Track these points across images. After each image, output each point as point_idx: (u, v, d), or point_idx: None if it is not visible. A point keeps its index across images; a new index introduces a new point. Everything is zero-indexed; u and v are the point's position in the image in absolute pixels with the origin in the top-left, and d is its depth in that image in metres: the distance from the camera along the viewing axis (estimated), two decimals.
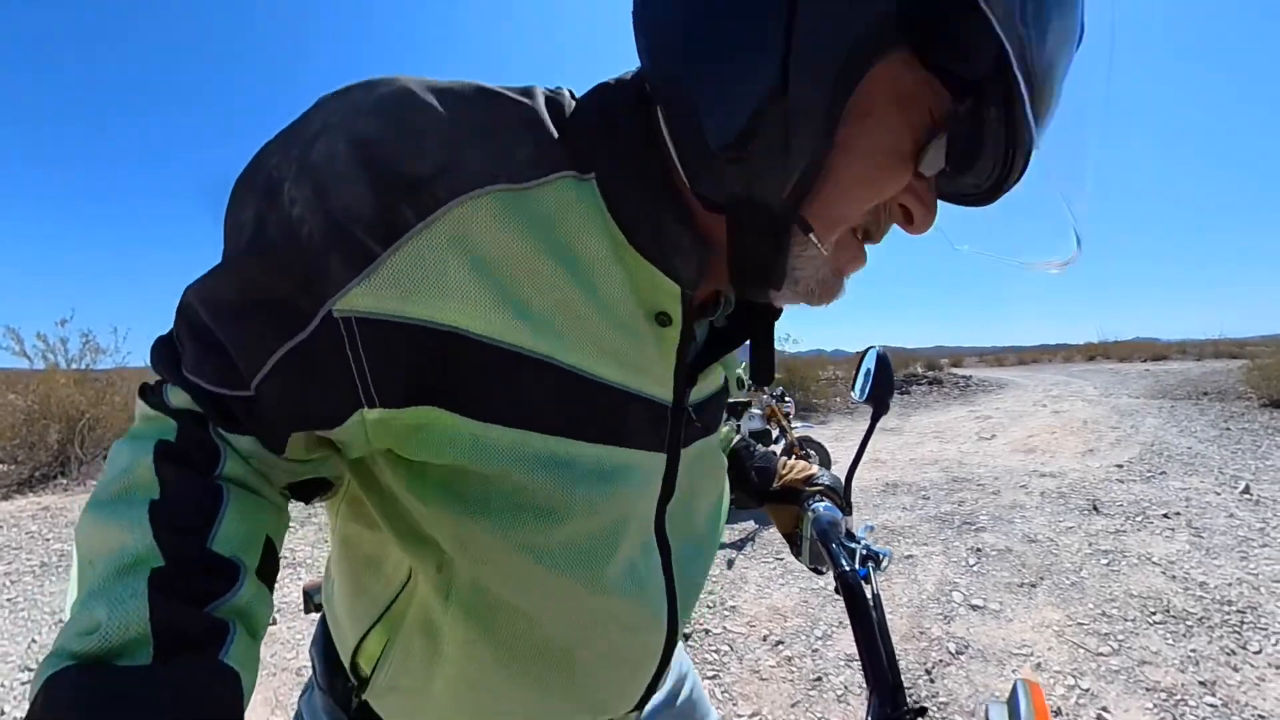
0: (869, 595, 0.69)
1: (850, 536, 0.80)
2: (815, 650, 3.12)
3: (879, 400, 0.89)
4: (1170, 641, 2.96)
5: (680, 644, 0.79)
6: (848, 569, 0.72)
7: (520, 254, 0.41)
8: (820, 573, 0.88)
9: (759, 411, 5.88)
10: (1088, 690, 2.63)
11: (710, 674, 2.92)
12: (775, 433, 5.90)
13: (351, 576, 0.60)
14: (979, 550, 4.25)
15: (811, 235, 0.43)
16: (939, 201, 0.46)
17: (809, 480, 0.90)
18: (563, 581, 0.49)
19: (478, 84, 0.42)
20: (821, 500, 0.86)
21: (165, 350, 0.44)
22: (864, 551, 0.76)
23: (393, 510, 0.51)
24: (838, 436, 9.56)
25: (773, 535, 4.80)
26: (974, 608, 3.47)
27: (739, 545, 4.59)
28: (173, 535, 0.37)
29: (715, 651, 3.09)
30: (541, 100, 0.43)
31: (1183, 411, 8.72)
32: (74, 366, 7.23)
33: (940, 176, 0.44)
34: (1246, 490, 4.92)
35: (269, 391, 0.40)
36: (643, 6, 0.42)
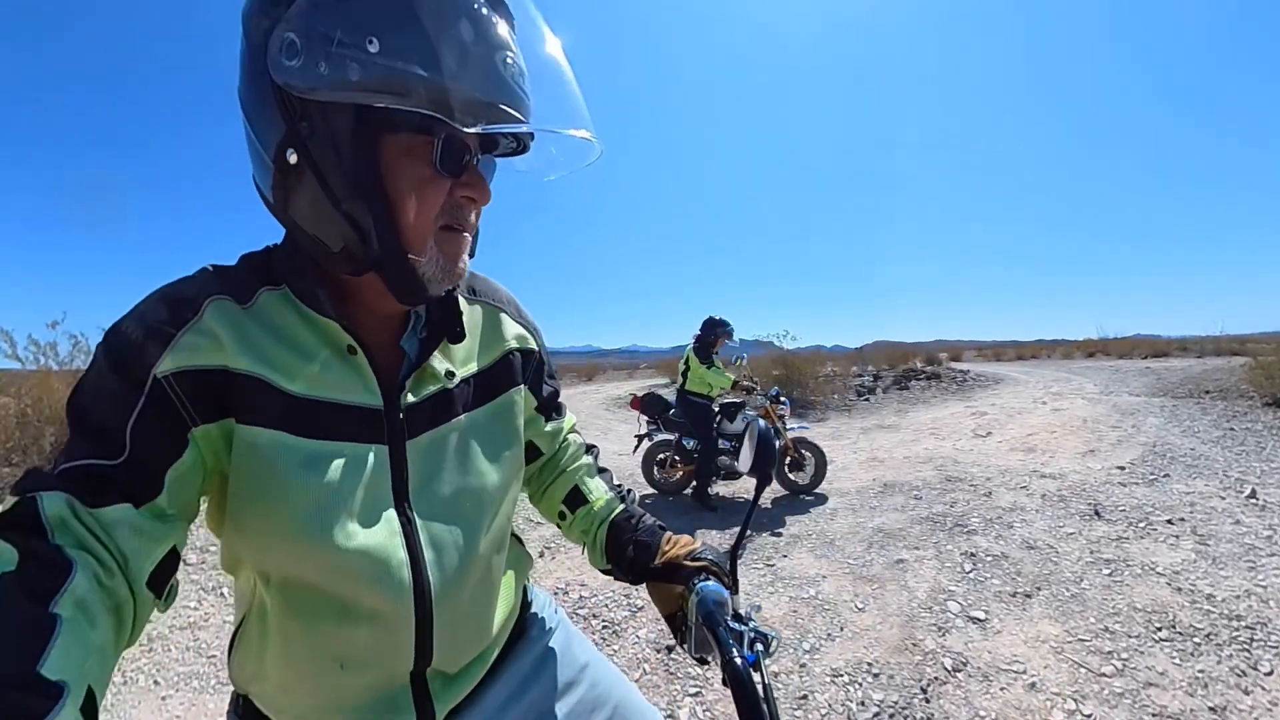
0: (759, 685, 0.66)
1: (738, 618, 0.76)
2: (803, 665, 2.97)
3: (762, 473, 0.88)
4: (1177, 661, 2.79)
5: (564, 633, 0.96)
6: (735, 656, 0.68)
7: (254, 332, 0.63)
8: (706, 662, 0.81)
9: (754, 412, 5.70)
10: (1090, 716, 2.46)
11: (693, 690, 2.76)
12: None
13: (233, 591, 0.82)
14: (974, 555, 4.08)
15: (410, 256, 0.62)
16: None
17: (693, 556, 0.87)
18: (314, 550, 0.63)
19: (217, 265, 0.68)
20: (707, 578, 0.83)
21: (28, 476, 0.55)
22: (752, 635, 0.73)
23: (229, 524, 0.65)
24: (835, 434, 9.40)
25: (765, 541, 4.65)
26: (973, 620, 3.29)
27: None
28: None
29: (697, 668, 2.92)
30: (254, 263, 0.69)
31: (1185, 411, 8.55)
32: (65, 368, 7.12)
33: (488, 156, 0.68)
34: (1253, 495, 4.75)
35: (139, 437, 0.56)
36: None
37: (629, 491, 1.02)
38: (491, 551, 0.78)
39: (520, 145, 0.68)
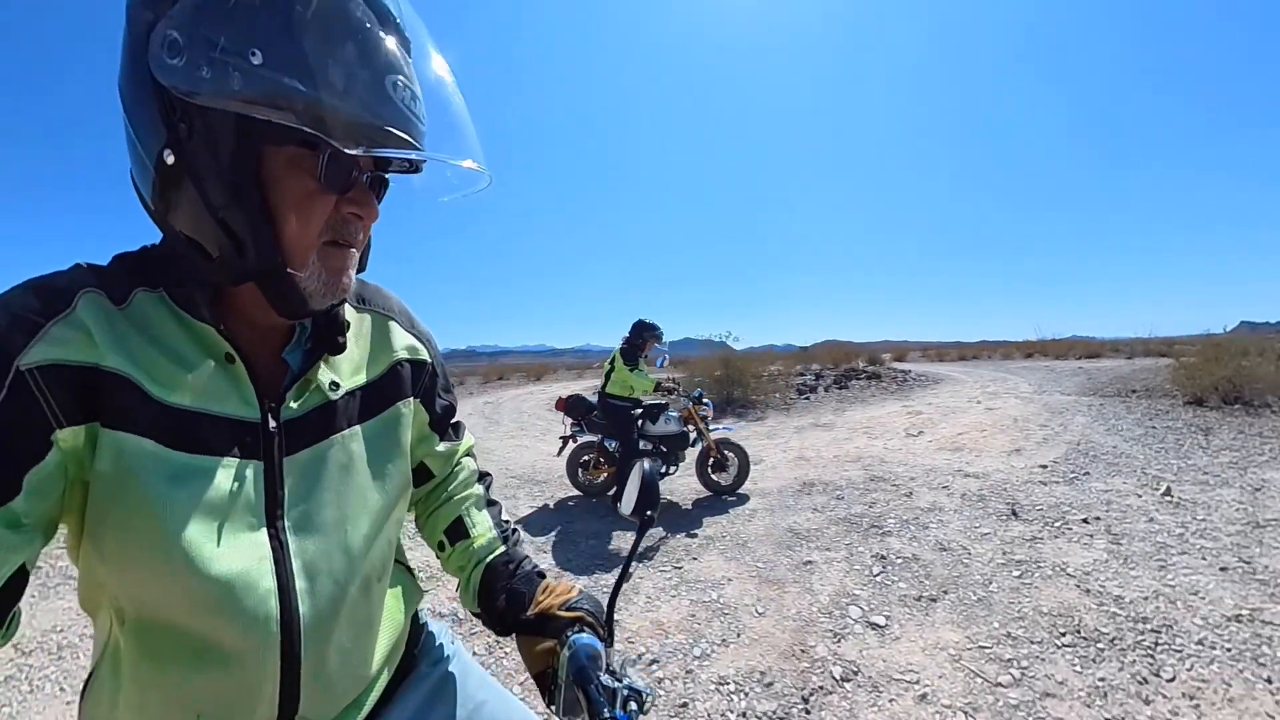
0: None
1: (612, 673, 0.72)
2: (689, 671, 2.75)
3: (644, 517, 0.84)
4: (1078, 668, 2.60)
5: (457, 656, 0.92)
6: (606, 715, 0.66)
7: (127, 333, 0.58)
8: None
9: (676, 414, 5.57)
10: None
11: None
12: (693, 435, 5.51)
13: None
14: (884, 558, 3.87)
15: (289, 270, 0.60)
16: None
17: (568, 605, 0.82)
18: (172, 576, 0.57)
19: (91, 263, 0.63)
20: (581, 630, 0.78)
21: None
22: (625, 692, 0.69)
23: (87, 542, 0.59)
24: (771, 433, 9.23)
25: (678, 544, 4.40)
26: (872, 625, 3.06)
27: (641, 555, 4.16)
28: None
29: None
30: (129, 263, 0.64)
31: (1111, 410, 8.63)
32: None
33: (380, 173, 0.66)
34: (1168, 492, 4.68)
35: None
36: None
37: (514, 531, 0.96)
38: (373, 579, 0.73)
39: (413, 166, 0.65)
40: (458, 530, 0.91)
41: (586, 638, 0.76)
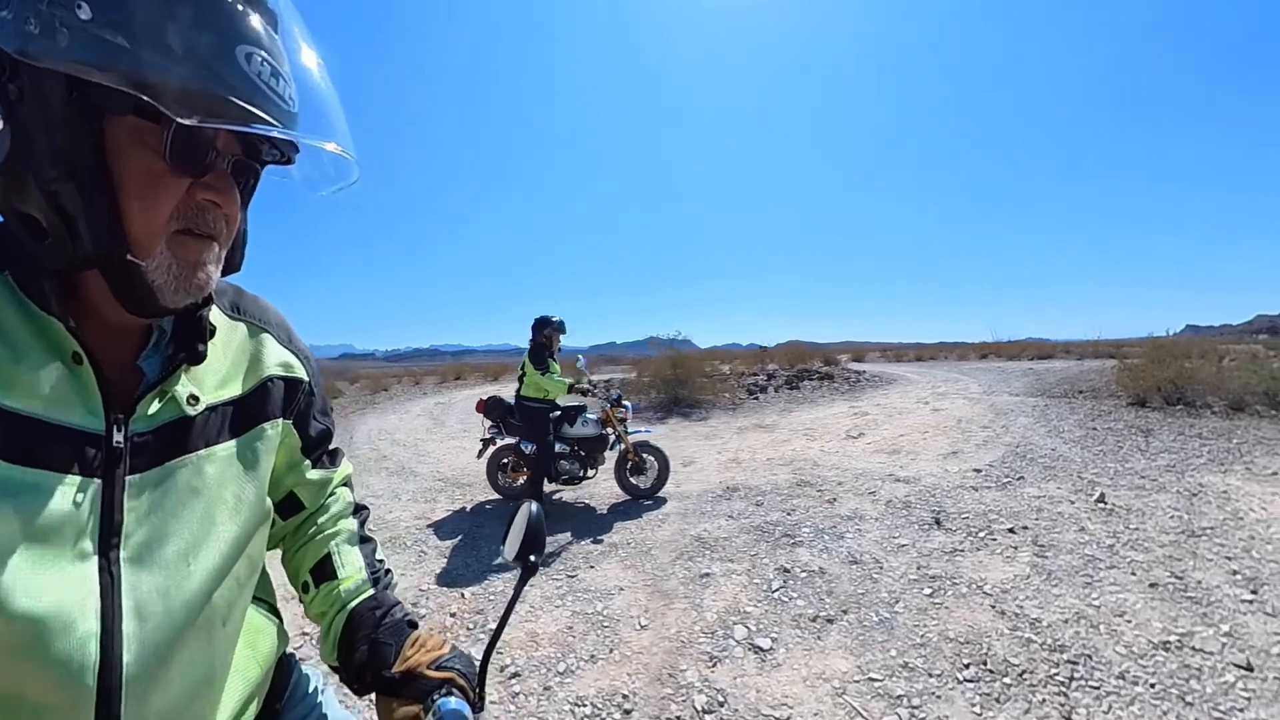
0: None
1: None
2: (548, 689, 2.45)
3: (529, 562, 0.79)
4: (977, 710, 2.20)
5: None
6: None
7: None
8: None
9: (594, 416, 5.27)
10: None
11: None
12: (612, 438, 5.25)
13: None
14: (788, 571, 3.46)
15: (131, 258, 0.52)
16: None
17: (438, 664, 0.71)
18: None
19: None
20: (450, 693, 0.68)
21: None
22: None
23: None
24: (711, 434, 8.84)
25: (579, 550, 4.07)
26: (755, 649, 2.64)
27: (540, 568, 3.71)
28: None
29: None
30: None
31: (1055, 411, 8.43)
32: None
33: (250, 160, 0.58)
34: (1102, 499, 4.37)
35: None
36: None
37: (387, 573, 0.84)
38: (216, 624, 0.62)
39: (283, 154, 0.60)
40: (324, 570, 0.81)
41: (455, 703, 0.67)
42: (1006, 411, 8.62)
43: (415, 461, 7.51)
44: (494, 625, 0.61)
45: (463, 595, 3.42)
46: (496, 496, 5.49)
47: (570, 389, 5.04)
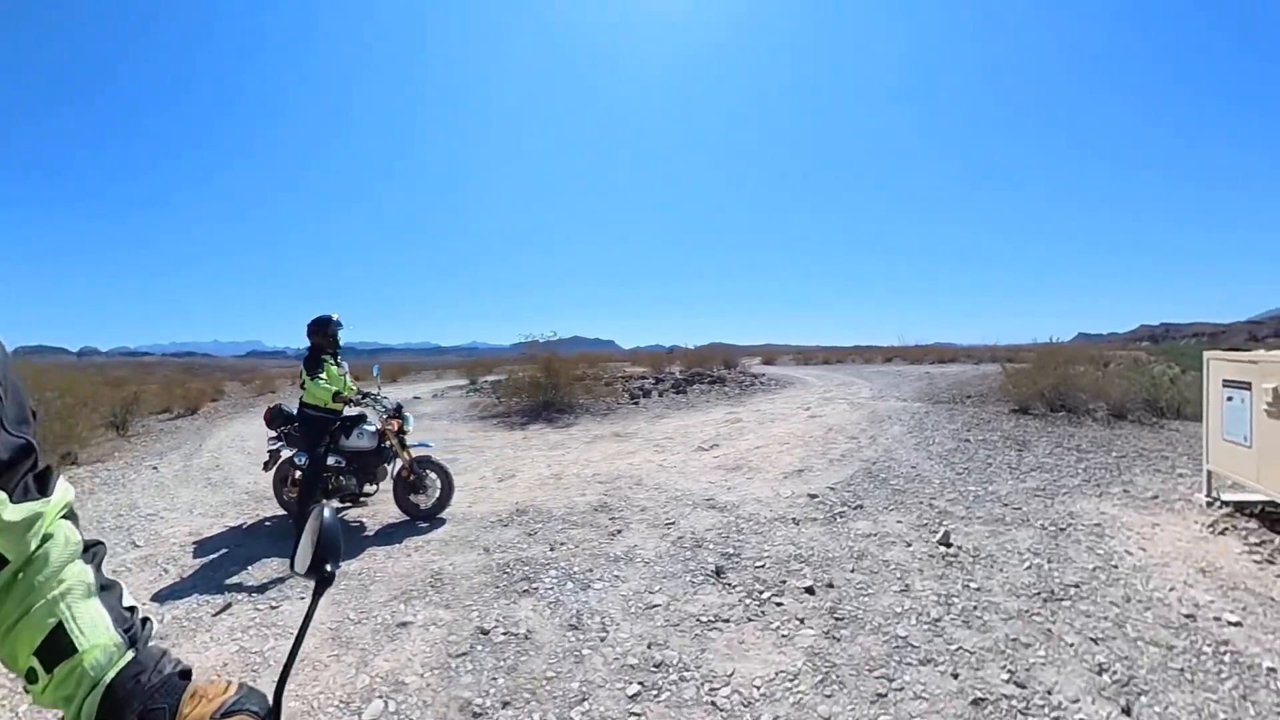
0: None
1: None
2: None
3: (323, 573, 0.67)
4: None
5: None
6: None
7: None
8: None
9: (373, 428, 4.65)
10: None
11: None
12: (390, 452, 4.65)
13: None
14: (486, 633, 2.31)
15: None
16: None
17: (225, 711, 0.60)
18: None
19: None
20: None
21: None
22: None
23: None
24: (561, 443, 7.63)
25: (300, 580, 3.13)
26: None
27: (268, 586, 3.28)
28: None
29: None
30: None
31: (933, 419, 7.61)
32: None
33: None
34: (946, 540, 3.33)
35: None
36: None
37: (145, 622, 0.66)
38: None
39: None
40: (57, 645, 0.59)
41: None
42: (884, 419, 7.73)
43: (242, 473, 6.39)
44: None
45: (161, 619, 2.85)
46: (283, 513, 4.79)
47: (336, 396, 4.42)
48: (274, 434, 4.87)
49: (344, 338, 4.60)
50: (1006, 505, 3.97)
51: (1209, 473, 4.31)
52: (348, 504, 4.76)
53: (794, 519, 3.78)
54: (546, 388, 11.21)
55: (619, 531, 3.67)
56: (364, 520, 4.52)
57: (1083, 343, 16.77)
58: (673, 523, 3.81)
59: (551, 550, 3.39)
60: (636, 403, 11.63)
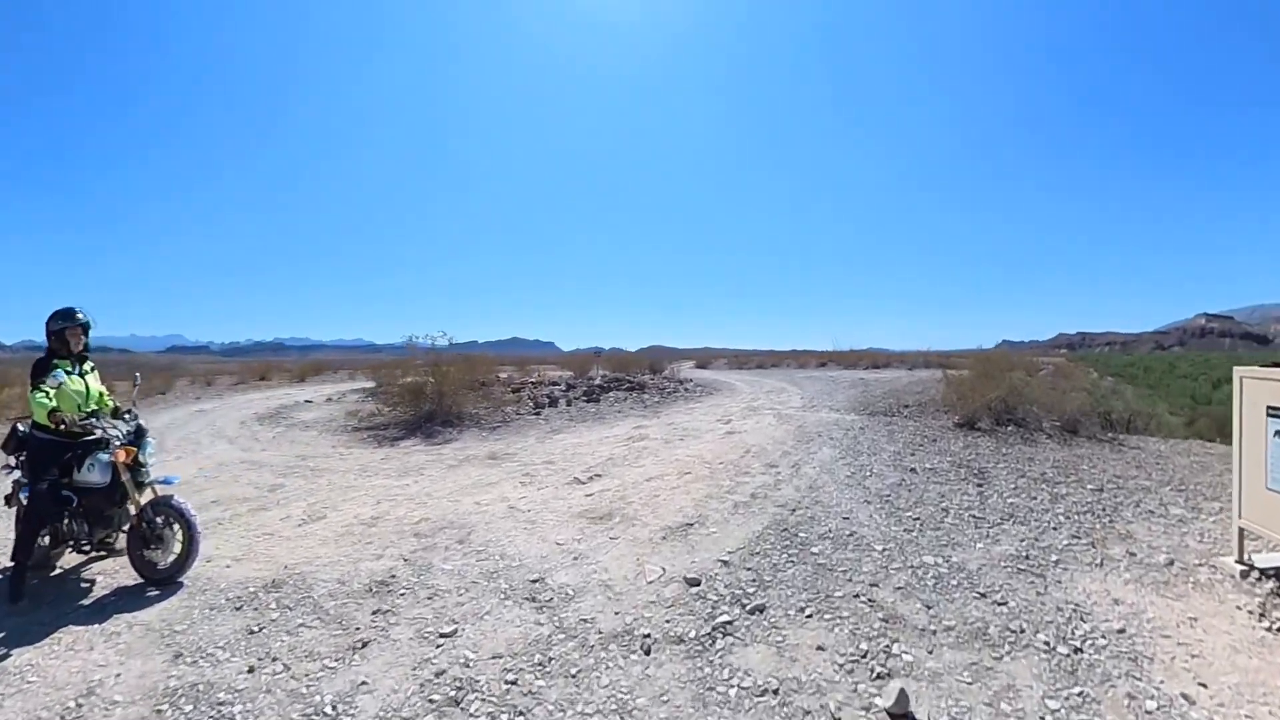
0: None
1: None
2: None
3: None
4: None
5: None
6: None
7: None
8: None
9: (106, 458, 3.42)
10: None
11: None
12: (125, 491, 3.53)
13: None
14: None
15: None
16: None
17: None
18: None
19: None
20: None
21: None
22: None
23: None
24: (413, 469, 6.01)
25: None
26: None
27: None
28: None
29: None
30: None
31: (871, 436, 6.34)
32: None
33: None
34: (903, 709, 1.89)
35: None
36: None
37: None
38: None
39: None
40: None
41: None
42: (812, 437, 6.40)
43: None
44: None
45: None
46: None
47: (51, 414, 3.38)
48: (12, 461, 3.82)
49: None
50: (984, 595, 2.62)
51: (1240, 530, 3.11)
52: (100, 554, 3.73)
53: (647, 637, 2.30)
54: (431, 396, 9.51)
55: (364, 645, 2.18)
56: (98, 577, 3.44)
57: (1007, 349, 16.50)
58: (454, 633, 2.29)
59: (248, 673, 1.94)
60: (539, 413, 10.05)
